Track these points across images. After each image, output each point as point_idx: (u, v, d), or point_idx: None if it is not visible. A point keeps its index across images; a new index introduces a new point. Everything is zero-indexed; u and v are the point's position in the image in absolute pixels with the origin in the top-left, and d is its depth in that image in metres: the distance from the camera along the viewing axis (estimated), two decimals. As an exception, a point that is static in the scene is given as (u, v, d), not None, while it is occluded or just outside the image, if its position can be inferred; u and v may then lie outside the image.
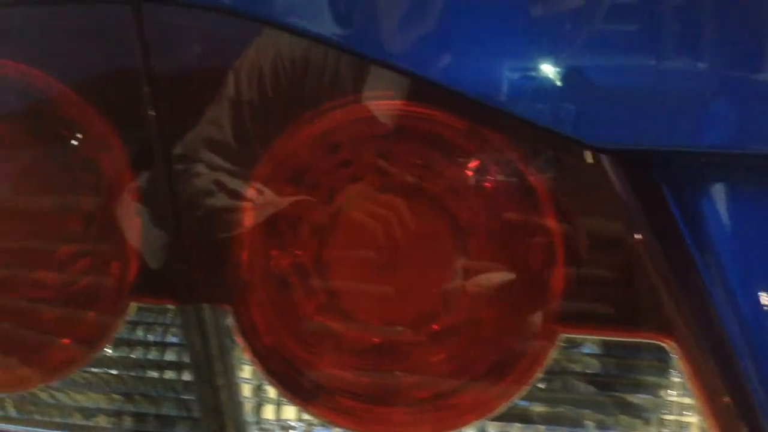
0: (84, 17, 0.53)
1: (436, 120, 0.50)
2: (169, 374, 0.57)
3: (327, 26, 0.51)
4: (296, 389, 0.53)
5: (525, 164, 0.49)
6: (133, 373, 0.57)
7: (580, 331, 0.50)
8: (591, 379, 0.53)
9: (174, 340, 0.56)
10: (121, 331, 0.55)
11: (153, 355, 0.57)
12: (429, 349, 0.53)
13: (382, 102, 0.50)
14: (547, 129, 0.48)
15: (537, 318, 0.50)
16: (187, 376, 0.56)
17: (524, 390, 0.51)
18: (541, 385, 0.52)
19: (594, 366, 0.52)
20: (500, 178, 0.50)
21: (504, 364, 0.51)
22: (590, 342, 0.52)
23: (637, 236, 0.48)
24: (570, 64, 0.49)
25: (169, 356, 0.57)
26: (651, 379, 0.52)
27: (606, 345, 0.52)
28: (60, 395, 0.58)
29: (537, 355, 0.50)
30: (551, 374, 0.52)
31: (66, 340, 0.55)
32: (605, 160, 0.48)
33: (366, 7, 0.51)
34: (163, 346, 0.57)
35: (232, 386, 0.54)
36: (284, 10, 0.51)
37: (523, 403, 0.52)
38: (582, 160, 0.49)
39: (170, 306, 0.54)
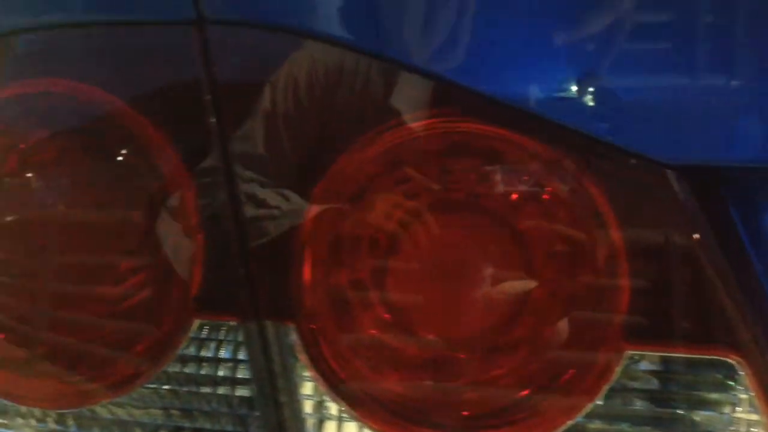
0: (145, 37, 0.54)
1: (495, 136, 0.50)
2: (229, 390, 0.57)
3: (385, 44, 0.51)
4: (358, 405, 0.53)
5: (587, 178, 0.49)
6: (192, 389, 0.58)
7: (646, 348, 0.50)
8: (650, 396, 0.52)
9: (226, 355, 0.56)
10: (184, 347, 0.55)
11: (213, 370, 0.56)
12: (490, 364, 0.53)
13: (441, 119, 0.51)
14: (610, 144, 0.48)
15: (602, 333, 0.50)
16: (246, 392, 0.57)
17: (589, 406, 0.51)
18: (599, 402, 0.52)
19: (653, 382, 0.52)
20: (562, 192, 0.50)
21: (568, 380, 0.51)
22: (649, 358, 0.52)
23: (704, 251, 0.48)
24: (634, 78, 0.49)
25: (227, 372, 0.57)
26: (714, 395, 0.51)
27: (665, 361, 0.51)
28: (119, 411, 0.58)
29: (603, 371, 0.50)
30: (609, 391, 0.51)
31: (129, 356, 0.55)
32: (671, 176, 0.48)
33: (423, 25, 0.51)
34: (223, 361, 0.57)
35: (295, 403, 0.54)
36: (345, 30, 0.51)
37: (580, 419, 0.52)
38: (646, 174, 0.48)
39: (232, 322, 0.54)
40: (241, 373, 0.56)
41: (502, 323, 0.51)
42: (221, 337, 0.57)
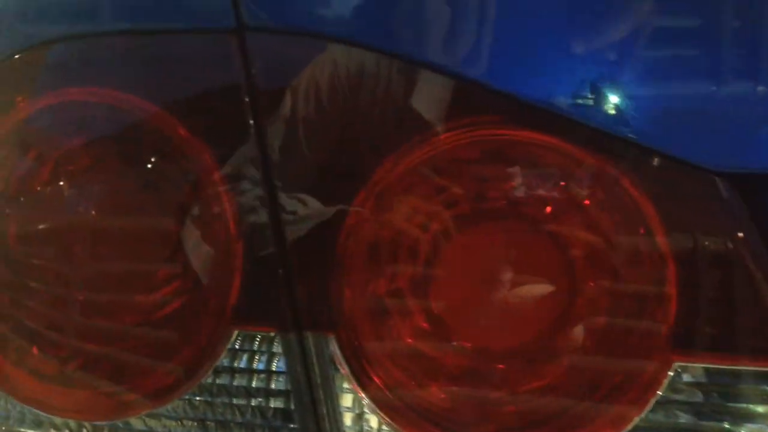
0: (183, 44, 0.54)
1: (535, 142, 0.50)
2: (267, 402, 0.56)
3: (425, 51, 0.51)
4: (398, 417, 0.52)
5: (632, 185, 0.48)
6: (226, 400, 0.57)
7: (694, 359, 0.49)
8: (694, 408, 0.51)
9: (260, 366, 0.56)
10: (222, 358, 0.54)
11: (247, 381, 0.56)
12: (531, 374, 0.52)
13: (480, 126, 0.50)
14: (656, 150, 0.48)
15: (649, 343, 0.49)
16: (280, 404, 0.56)
17: (636, 419, 0.50)
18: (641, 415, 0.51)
19: (697, 395, 0.51)
20: (607, 200, 0.49)
21: (614, 392, 0.50)
22: (692, 369, 0.50)
23: (753, 259, 0.47)
24: (681, 84, 0.49)
25: (261, 383, 0.56)
26: (761, 408, 0.50)
27: (709, 372, 0.50)
28: (154, 422, 0.58)
29: (650, 382, 0.49)
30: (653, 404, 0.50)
31: (167, 367, 0.55)
32: (720, 183, 0.47)
33: (468, 33, 0.51)
34: (257, 372, 0.56)
35: (334, 415, 0.53)
36: (383, 37, 0.51)
37: (625, 433, 0.51)
38: (694, 181, 0.48)
39: (267, 333, 0.54)
40: (276, 384, 0.56)
41: (544, 332, 0.51)
42: (254, 347, 0.56)
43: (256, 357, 0.56)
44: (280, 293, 0.51)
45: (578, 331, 0.50)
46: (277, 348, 0.55)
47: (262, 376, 0.56)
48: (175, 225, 0.53)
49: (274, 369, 0.56)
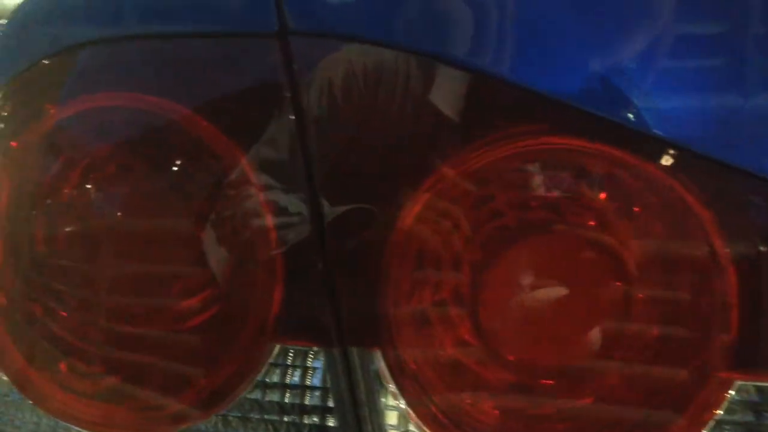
0: (220, 47, 0.52)
1: (587, 152, 0.48)
2: (301, 419, 0.54)
3: (471, 55, 0.49)
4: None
5: (688, 192, 0.47)
6: (260, 416, 0.55)
7: (758, 377, 0.47)
8: (747, 429, 0.49)
9: (295, 381, 0.54)
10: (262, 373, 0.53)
11: (283, 397, 0.54)
12: (581, 391, 0.50)
13: (532, 136, 0.48)
14: (711, 157, 0.46)
15: (707, 359, 0.47)
16: (315, 419, 0.54)
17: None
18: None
19: (748, 414, 0.49)
20: (660, 207, 0.47)
21: (668, 412, 0.48)
22: (743, 387, 0.48)
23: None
24: (735, 91, 0.47)
25: (295, 399, 0.54)
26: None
27: (761, 391, 0.48)
28: (189, 439, 0.56)
29: (708, 402, 0.47)
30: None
31: (204, 381, 0.53)
32: None
33: (518, 39, 0.49)
34: (295, 388, 0.54)
35: None
36: (424, 40, 0.49)
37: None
38: (753, 189, 0.46)
39: (315, 348, 0.52)
40: (311, 400, 0.54)
41: (594, 346, 0.49)
42: (288, 362, 0.54)
43: (289, 372, 0.54)
44: (324, 306, 0.50)
45: (630, 346, 0.48)
46: (311, 362, 0.53)
47: (297, 391, 0.54)
48: (210, 231, 0.52)
49: (309, 384, 0.54)
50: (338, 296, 0.49)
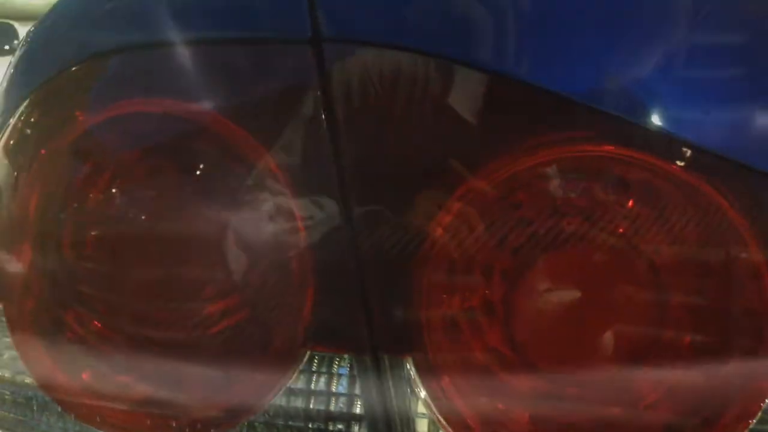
0: (254, 54, 0.52)
1: (623, 159, 0.48)
2: (326, 426, 0.54)
3: (514, 66, 0.49)
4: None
5: (725, 201, 0.46)
6: (284, 423, 0.55)
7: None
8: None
9: (322, 387, 0.54)
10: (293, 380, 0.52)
11: (317, 405, 0.54)
12: (615, 401, 0.50)
13: (568, 143, 0.48)
14: (748, 165, 0.46)
15: (740, 369, 0.47)
16: (341, 426, 0.54)
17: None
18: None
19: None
20: (698, 216, 0.47)
21: (701, 421, 0.48)
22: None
23: None
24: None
25: (321, 405, 0.54)
26: None
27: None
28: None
29: (743, 414, 0.47)
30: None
31: (235, 388, 0.53)
32: None
33: (556, 46, 0.49)
34: (317, 394, 0.54)
35: None
36: (463, 49, 0.49)
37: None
38: None
39: (343, 354, 0.52)
40: (337, 407, 0.54)
41: (629, 356, 0.49)
42: (313, 368, 0.54)
43: (315, 378, 0.54)
44: (356, 312, 0.49)
45: (663, 354, 0.48)
46: (336, 369, 0.53)
47: (322, 398, 0.54)
48: (240, 236, 0.52)
49: (335, 391, 0.54)
50: (370, 303, 0.49)
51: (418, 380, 0.50)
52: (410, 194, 0.49)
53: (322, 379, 0.54)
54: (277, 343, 0.52)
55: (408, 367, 0.50)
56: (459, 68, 0.48)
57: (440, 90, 0.48)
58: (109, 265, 0.55)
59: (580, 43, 0.49)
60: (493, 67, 0.48)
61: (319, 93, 0.48)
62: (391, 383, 0.50)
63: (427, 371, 0.49)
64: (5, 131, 0.59)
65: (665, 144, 0.47)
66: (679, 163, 0.47)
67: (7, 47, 4.93)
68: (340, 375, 0.54)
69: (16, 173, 0.58)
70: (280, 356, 0.52)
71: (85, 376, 0.56)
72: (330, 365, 0.54)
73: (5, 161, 0.59)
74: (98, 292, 0.55)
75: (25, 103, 0.58)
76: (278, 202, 0.50)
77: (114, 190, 0.55)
